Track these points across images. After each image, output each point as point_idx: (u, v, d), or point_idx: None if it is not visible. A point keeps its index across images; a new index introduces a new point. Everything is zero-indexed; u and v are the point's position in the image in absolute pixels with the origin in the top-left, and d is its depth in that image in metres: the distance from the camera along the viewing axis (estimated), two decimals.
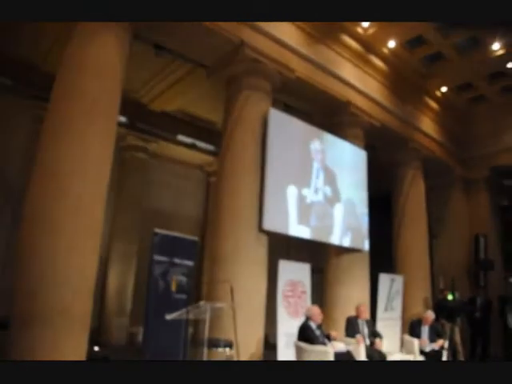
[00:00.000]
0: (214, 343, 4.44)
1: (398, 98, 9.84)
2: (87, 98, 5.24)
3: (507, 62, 9.48)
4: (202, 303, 3.75)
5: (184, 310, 3.72)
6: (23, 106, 8.07)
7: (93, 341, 8.52)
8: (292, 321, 6.43)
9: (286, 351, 6.26)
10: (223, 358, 4.76)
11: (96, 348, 6.87)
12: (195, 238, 6.20)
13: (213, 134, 9.94)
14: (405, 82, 9.91)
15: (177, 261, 5.86)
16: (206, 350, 4.04)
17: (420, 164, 10.53)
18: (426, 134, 10.61)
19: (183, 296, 5.86)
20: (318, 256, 8.72)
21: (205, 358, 4.00)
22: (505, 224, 13.72)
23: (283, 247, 10.47)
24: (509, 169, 12.08)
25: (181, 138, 10.24)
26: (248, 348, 6.03)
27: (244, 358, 5.92)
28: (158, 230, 5.75)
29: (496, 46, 9.00)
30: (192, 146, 10.48)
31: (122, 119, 9.03)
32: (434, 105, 10.99)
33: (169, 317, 3.96)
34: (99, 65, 5.42)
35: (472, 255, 11.35)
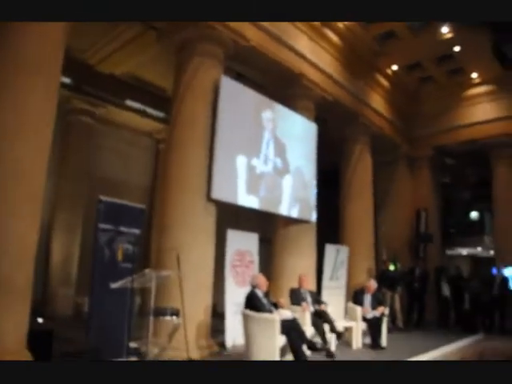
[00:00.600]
0: (160, 312, 4.40)
1: (350, 73, 9.96)
2: (26, 55, 4.90)
3: (454, 45, 9.79)
4: (147, 271, 3.69)
5: (129, 279, 3.64)
6: None
7: (37, 312, 8.33)
8: (240, 290, 6.50)
9: (233, 320, 6.36)
10: (170, 327, 4.75)
11: (40, 320, 6.69)
12: (142, 206, 6.04)
13: (163, 101, 9.65)
14: (358, 58, 10.02)
15: (123, 229, 5.70)
16: (151, 319, 4.01)
17: (368, 140, 10.79)
18: (375, 111, 10.86)
19: (130, 265, 5.74)
20: (267, 226, 8.82)
21: (151, 327, 3.96)
22: (445, 200, 14.49)
23: (232, 217, 10.49)
24: (450, 148, 12.68)
25: (130, 103, 9.89)
26: (196, 316, 6.09)
27: (191, 326, 5.98)
28: (102, 198, 5.55)
29: (445, 30, 9.25)
30: (142, 112, 10.17)
31: (67, 80, 8.58)
32: (384, 82, 11.22)
33: (114, 285, 3.88)
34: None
35: (413, 229, 11.91)
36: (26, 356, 4.43)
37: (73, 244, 9.16)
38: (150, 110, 10.29)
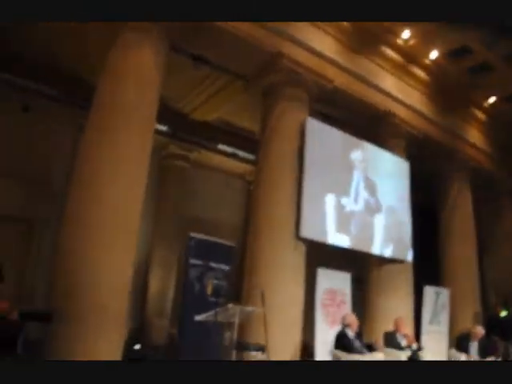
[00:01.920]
0: (243, 346, 4.39)
1: (442, 108, 9.59)
2: (126, 108, 5.47)
3: None
4: (230, 306, 3.76)
5: (212, 312, 3.73)
6: (68, 115, 8.46)
7: (134, 340, 8.79)
8: (331, 330, 6.28)
9: (323, 358, 6.13)
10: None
11: (137, 346, 7.02)
12: (231, 243, 6.25)
13: (254, 144, 10.04)
14: (449, 93, 9.63)
15: (213, 265, 5.93)
16: (234, 353, 4.02)
17: (467, 175, 10.17)
18: (472, 145, 10.24)
19: (219, 300, 5.91)
20: (359, 266, 8.52)
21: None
22: None
23: (325, 256, 10.32)
24: None
25: (221, 147, 10.40)
26: (284, 354, 5.97)
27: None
28: (193, 234, 5.86)
29: None
30: (232, 155, 10.60)
31: (163, 128, 9.30)
32: (481, 115, 10.59)
33: (198, 318, 4.00)
34: (137, 75, 5.66)
35: None
36: None
37: (168, 278, 9.67)
38: (241, 153, 10.70)
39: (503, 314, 9.33)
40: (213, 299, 5.71)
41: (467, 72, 9.37)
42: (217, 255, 5.99)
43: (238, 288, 6.72)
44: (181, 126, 9.71)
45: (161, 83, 6.02)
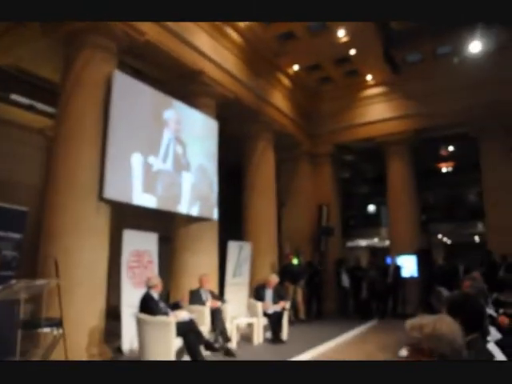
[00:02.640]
0: (33, 324, 4.02)
1: (252, 72, 10.06)
2: None
3: (350, 48, 10.30)
4: (13, 282, 3.35)
5: None
6: None
7: None
8: (138, 292, 6.22)
9: (130, 323, 6.09)
10: (51, 339, 4.41)
11: None
12: (24, 208, 5.60)
13: (54, 96, 9.03)
14: (259, 58, 10.15)
15: (0, 234, 5.25)
16: (19, 332, 3.68)
17: (271, 137, 11.00)
18: (277, 109, 11.09)
19: (10, 273, 5.30)
20: (168, 225, 8.61)
21: (18, 342, 3.62)
22: (345, 195, 15.29)
23: (133, 217, 10.14)
24: (349, 145, 13.39)
25: (16, 97, 9.07)
26: (87, 323, 5.78)
27: (83, 333, 5.67)
28: None
29: (341, 33, 9.67)
30: (29, 108, 9.38)
31: None
32: (286, 81, 11.51)
33: None
34: None
35: (315, 223, 12.38)
36: None
37: None
38: (40, 106, 9.51)
39: (295, 262, 10.61)
40: (4, 273, 5.08)
41: (276, 38, 10.00)
42: (5, 222, 5.31)
43: (34, 258, 6.12)
44: None
45: None
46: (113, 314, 6.70)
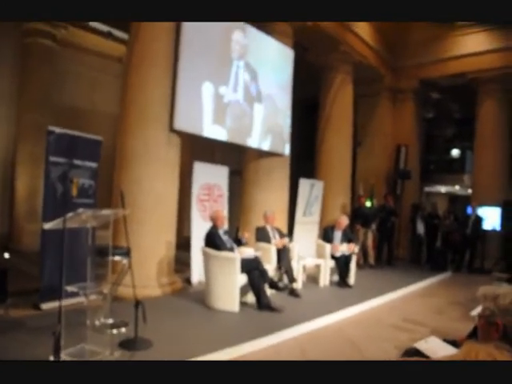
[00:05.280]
0: (103, 252, 4.13)
1: None
2: None
3: None
4: (80, 210, 3.37)
5: (61, 219, 3.32)
6: None
7: (3, 247, 8.12)
8: (207, 225, 6.29)
9: (199, 255, 6.21)
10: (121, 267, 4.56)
11: (6, 255, 6.47)
12: (99, 138, 5.65)
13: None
14: None
15: (77, 162, 5.37)
16: (89, 260, 3.78)
17: (350, 69, 10.22)
18: (359, 37, 10.15)
19: (89, 201, 5.48)
20: (241, 159, 8.49)
21: (88, 268, 3.72)
22: (427, 136, 14.23)
23: (207, 150, 10.14)
24: (436, 81, 12.18)
25: (94, 24, 9.05)
26: (158, 253, 5.94)
27: (153, 263, 5.86)
28: (52, 128, 5.14)
29: None
30: (107, 35, 9.37)
31: None
32: None
33: (46, 226, 3.57)
34: None
35: (393, 165, 11.71)
36: None
37: (37, 177, 8.61)
38: (118, 33, 9.46)
39: (368, 204, 10.19)
40: (80, 201, 5.24)
41: None
42: (82, 151, 5.39)
43: (109, 187, 6.30)
44: None
45: None
46: (186, 245, 6.87)
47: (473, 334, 2.63)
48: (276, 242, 6.61)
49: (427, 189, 15.60)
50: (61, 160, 5.20)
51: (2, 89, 8.71)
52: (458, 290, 7.68)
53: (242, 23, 7.13)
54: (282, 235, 6.90)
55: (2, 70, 8.67)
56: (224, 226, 5.82)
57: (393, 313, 5.88)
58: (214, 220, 5.69)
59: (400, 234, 11.27)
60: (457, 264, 10.14)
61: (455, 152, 16.11)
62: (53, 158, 5.13)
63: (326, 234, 7.60)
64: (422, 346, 2.42)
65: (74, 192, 5.25)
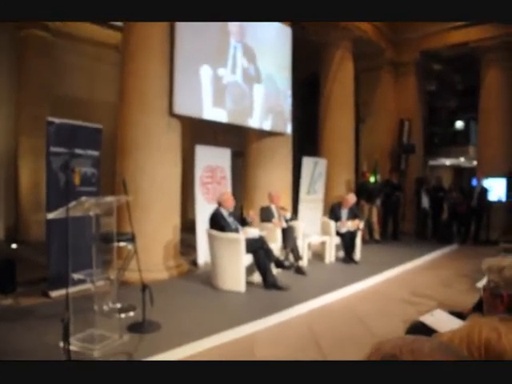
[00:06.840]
0: (108, 238, 4.17)
1: None
2: None
3: None
4: (83, 199, 3.39)
5: (64, 209, 3.34)
6: None
7: (11, 238, 8.22)
8: (211, 207, 6.32)
9: (204, 237, 6.26)
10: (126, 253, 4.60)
11: (14, 246, 6.56)
12: (98, 126, 5.65)
13: None
14: None
15: (79, 151, 5.38)
16: (94, 246, 3.82)
17: (350, 45, 10.08)
18: None
19: (92, 189, 5.51)
20: (243, 140, 8.47)
21: (93, 255, 3.76)
22: (430, 109, 14.05)
23: (210, 133, 10.09)
24: (438, 52, 11.98)
25: None
26: (164, 237, 6.00)
27: (159, 247, 5.91)
28: (52, 119, 5.15)
29: None
30: (103, 23, 9.26)
31: None
32: None
33: (50, 216, 3.60)
34: None
35: (396, 139, 11.62)
36: None
37: (40, 169, 8.63)
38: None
39: (372, 179, 10.16)
40: (83, 189, 5.27)
41: None
42: (83, 140, 5.39)
43: (112, 175, 6.31)
44: None
45: None
46: (191, 228, 6.91)
47: (478, 306, 2.64)
48: (274, 221, 6.63)
49: (432, 162, 15.49)
50: (62, 150, 5.22)
51: (1, 83, 8.70)
52: (464, 262, 7.69)
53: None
54: (280, 215, 6.88)
55: None
56: (232, 207, 5.83)
57: (400, 287, 5.92)
58: (223, 202, 5.70)
59: (405, 208, 11.25)
60: (463, 236, 10.14)
61: (459, 124, 15.94)
62: (54, 149, 5.15)
63: (333, 212, 7.58)
64: (427, 319, 2.43)
65: (77, 181, 5.32)
